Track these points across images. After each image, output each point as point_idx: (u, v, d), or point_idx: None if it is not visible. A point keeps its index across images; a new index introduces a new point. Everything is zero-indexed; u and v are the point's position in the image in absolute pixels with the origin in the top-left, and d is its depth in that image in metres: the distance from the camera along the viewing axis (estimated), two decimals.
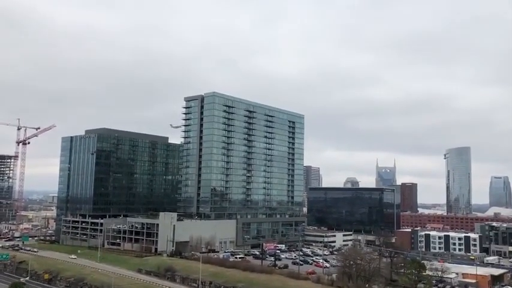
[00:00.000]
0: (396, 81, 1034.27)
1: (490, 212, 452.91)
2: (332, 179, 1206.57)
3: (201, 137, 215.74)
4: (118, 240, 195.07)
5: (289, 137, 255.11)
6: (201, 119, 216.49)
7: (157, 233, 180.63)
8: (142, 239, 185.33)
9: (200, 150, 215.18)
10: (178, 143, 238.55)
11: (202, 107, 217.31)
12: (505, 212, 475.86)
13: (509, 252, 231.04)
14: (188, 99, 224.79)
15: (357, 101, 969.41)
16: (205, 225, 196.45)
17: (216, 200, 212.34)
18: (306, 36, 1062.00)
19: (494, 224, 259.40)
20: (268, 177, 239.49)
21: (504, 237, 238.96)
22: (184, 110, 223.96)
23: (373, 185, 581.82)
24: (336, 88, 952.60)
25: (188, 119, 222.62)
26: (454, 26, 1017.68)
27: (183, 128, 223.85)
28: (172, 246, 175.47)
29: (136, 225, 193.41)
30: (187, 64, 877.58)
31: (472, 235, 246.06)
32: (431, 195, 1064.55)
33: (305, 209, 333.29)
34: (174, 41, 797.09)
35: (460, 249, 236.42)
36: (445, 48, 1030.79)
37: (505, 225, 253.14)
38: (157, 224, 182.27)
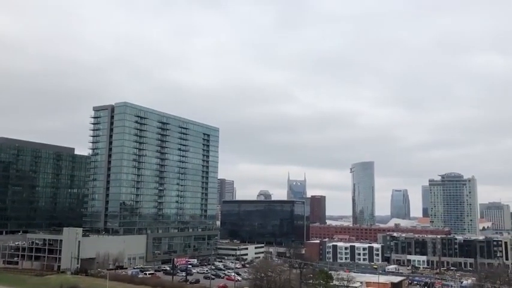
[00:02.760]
0: (307, 99, 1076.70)
1: (391, 223, 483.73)
2: (246, 192, 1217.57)
3: (110, 149, 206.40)
4: (16, 259, 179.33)
5: (203, 150, 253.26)
6: (111, 130, 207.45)
7: (60, 250, 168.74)
8: (44, 257, 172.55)
9: (109, 162, 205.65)
10: (86, 154, 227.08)
11: (112, 117, 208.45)
12: (404, 222, 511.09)
13: (408, 260, 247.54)
14: (97, 109, 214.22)
15: (271, 116, 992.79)
16: (113, 240, 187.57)
17: (125, 215, 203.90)
18: (221, 52, 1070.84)
19: (394, 234, 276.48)
20: (181, 191, 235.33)
21: (403, 246, 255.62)
22: (92, 120, 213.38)
23: (284, 198, 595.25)
24: (250, 103, 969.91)
25: (97, 130, 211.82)
26: (357, 49, 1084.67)
27: (90, 139, 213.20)
28: (77, 264, 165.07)
29: (37, 242, 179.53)
30: (98, 74, 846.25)
31: (375, 245, 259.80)
32: (339, 207, 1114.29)
33: (218, 223, 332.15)
34: (85, 50, 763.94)
35: (364, 259, 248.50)
36: (350, 69, 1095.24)
37: (404, 235, 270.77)
38: (61, 240, 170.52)
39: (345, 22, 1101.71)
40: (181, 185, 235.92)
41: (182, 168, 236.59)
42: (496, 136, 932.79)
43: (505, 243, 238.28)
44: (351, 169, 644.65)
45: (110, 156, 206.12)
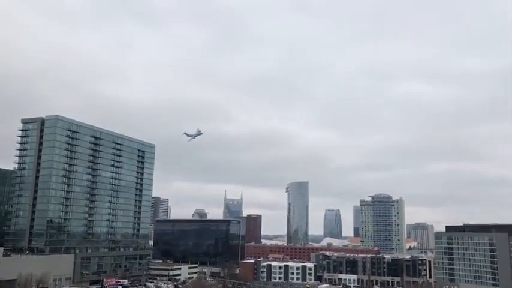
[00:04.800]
0: (243, 118, 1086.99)
1: (324, 243, 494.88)
2: (181, 210, 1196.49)
3: (38, 163, 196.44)
4: None
5: (138, 167, 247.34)
6: (40, 144, 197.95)
7: None
8: None
9: (37, 177, 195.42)
10: (11, 168, 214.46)
11: (42, 130, 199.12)
12: (336, 242, 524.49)
13: (339, 279, 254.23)
14: (26, 121, 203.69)
15: (207, 134, 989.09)
16: (37, 260, 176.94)
17: (52, 233, 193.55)
18: (157, 68, 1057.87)
19: (327, 253, 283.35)
20: (113, 209, 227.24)
21: (335, 265, 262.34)
22: (20, 133, 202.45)
23: (221, 217, 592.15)
24: (186, 120, 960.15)
25: (25, 143, 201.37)
26: (292, 72, 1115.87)
27: (16, 152, 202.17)
28: None
29: None
30: (27, 84, 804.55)
31: (308, 264, 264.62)
32: (275, 227, 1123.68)
33: (151, 242, 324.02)
34: (15, 59, 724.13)
35: (297, 278, 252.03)
36: (286, 91, 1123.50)
37: (336, 254, 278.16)
38: None
39: (280, 45, 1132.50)
40: (113, 203, 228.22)
41: (115, 185, 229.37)
42: (423, 160, 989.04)
43: (429, 262, 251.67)
44: (286, 188, 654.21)
45: (38, 171, 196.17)
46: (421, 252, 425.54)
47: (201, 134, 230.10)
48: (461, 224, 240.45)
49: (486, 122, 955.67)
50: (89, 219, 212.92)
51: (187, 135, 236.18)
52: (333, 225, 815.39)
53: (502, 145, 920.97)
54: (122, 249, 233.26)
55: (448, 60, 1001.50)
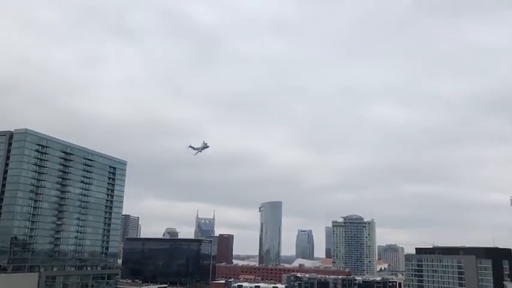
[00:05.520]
0: (218, 136, 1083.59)
1: (296, 263, 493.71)
2: (152, 229, 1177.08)
3: (4, 178, 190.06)
4: None
5: (108, 184, 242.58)
6: (8, 158, 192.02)
7: None
8: None
9: (2, 192, 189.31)
10: None
11: (10, 144, 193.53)
12: (308, 263, 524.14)
13: None
14: None
15: (181, 152, 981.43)
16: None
17: (16, 251, 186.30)
18: (131, 84, 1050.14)
19: (298, 274, 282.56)
20: (81, 226, 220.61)
21: (306, 286, 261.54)
22: None
23: (192, 236, 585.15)
24: (160, 138, 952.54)
25: None
26: (268, 91, 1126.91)
27: None
28: None
29: None
30: None
31: (279, 286, 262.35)
32: (247, 247, 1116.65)
33: (120, 261, 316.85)
34: None
35: None
36: (261, 110, 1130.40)
37: (307, 275, 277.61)
38: None
39: (256, 64, 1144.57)
40: (82, 220, 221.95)
41: (84, 202, 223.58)
42: (395, 181, 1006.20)
43: (399, 284, 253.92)
44: (259, 208, 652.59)
45: (4, 185, 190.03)
46: (392, 274, 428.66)
47: (208, 147, 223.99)
48: (431, 246, 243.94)
49: (457, 145, 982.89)
50: (55, 236, 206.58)
51: (193, 148, 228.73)
52: (305, 245, 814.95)
53: (472, 168, 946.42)
54: (89, 268, 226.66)
55: (420, 83, 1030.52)
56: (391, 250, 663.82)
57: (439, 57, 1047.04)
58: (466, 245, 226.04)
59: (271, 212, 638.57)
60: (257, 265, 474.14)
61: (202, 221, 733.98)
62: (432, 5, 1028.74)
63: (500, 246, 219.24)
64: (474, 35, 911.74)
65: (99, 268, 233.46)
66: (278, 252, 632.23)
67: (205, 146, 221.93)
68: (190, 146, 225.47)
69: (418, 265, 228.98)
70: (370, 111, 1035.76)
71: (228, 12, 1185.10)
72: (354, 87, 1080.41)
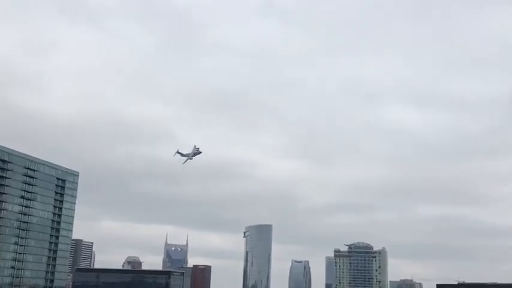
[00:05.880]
0: (194, 141, 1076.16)
1: None
2: (109, 257, 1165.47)
3: None
4: None
5: (55, 200, 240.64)
6: None
7: None
8: None
9: None
10: None
11: None
12: None
13: None
14: None
15: (146, 160, 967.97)
16: None
17: None
18: (87, 76, 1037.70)
19: None
20: (20, 253, 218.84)
21: None
22: None
23: (159, 267, 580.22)
24: (121, 142, 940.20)
25: None
26: (256, 88, 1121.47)
27: None
28: None
29: None
30: None
31: None
32: (227, 280, 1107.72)
33: None
34: None
35: None
36: (248, 111, 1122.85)
37: None
38: None
39: (244, 56, 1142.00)
40: (21, 245, 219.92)
41: (24, 222, 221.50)
42: (412, 201, 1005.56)
43: None
44: (244, 233, 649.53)
45: None
46: None
47: (200, 152, 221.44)
48: (456, 283, 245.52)
49: (486, 157, 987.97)
50: None
51: (182, 154, 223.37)
52: (300, 279, 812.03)
53: (504, 186, 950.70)
54: None
55: (441, 82, 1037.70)
56: (406, 286, 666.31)
57: (463, 51, 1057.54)
58: (498, 281, 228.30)
59: (259, 238, 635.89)
60: None
61: (173, 248, 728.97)
62: None
63: None
64: (508, 25, 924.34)
65: None
66: (267, 286, 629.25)
67: (197, 152, 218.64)
68: (178, 152, 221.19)
69: None
70: (380, 114, 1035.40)
71: None
72: (360, 85, 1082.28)
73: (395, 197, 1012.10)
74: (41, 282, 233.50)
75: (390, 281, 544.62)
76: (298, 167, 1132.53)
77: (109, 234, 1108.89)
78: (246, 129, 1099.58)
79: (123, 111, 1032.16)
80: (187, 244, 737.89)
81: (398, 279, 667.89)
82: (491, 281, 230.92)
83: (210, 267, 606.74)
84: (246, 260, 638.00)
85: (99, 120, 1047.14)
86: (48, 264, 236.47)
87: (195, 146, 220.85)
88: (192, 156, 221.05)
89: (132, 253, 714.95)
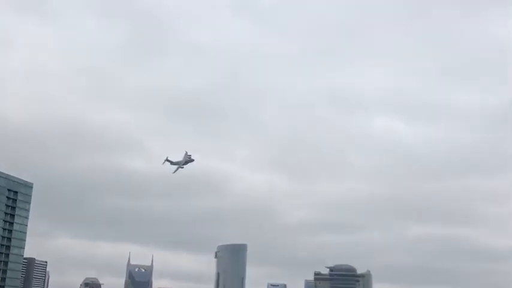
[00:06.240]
0: (161, 151, 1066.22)
1: None
2: (65, 278, 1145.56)
3: None
4: None
5: (6, 214, 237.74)
6: None
7: None
8: None
9: None
10: None
11: None
12: None
13: None
14: None
15: (109, 172, 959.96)
16: None
17: None
18: (40, 76, 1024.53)
19: None
20: None
21: None
22: None
23: None
24: (80, 151, 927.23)
25: None
26: (231, 94, 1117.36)
27: None
28: None
29: None
30: None
31: None
32: None
33: None
34: None
35: None
36: (221, 118, 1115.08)
37: None
38: None
39: (216, 58, 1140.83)
40: None
41: None
42: (400, 220, 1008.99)
43: None
44: (216, 253, 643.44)
45: None
46: None
47: (192, 160, 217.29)
48: None
49: (480, 173, 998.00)
50: None
51: (171, 163, 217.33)
52: None
53: (504, 205, 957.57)
54: None
55: (432, 92, 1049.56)
56: None
57: (458, 58, 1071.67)
58: None
59: (232, 259, 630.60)
60: None
61: (136, 270, 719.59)
62: None
63: None
64: (503, 31, 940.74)
65: None
66: None
67: (189, 160, 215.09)
68: (168, 160, 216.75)
69: None
70: (367, 124, 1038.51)
71: None
72: (346, 93, 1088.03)
73: (382, 216, 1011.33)
74: None
75: None
76: (277, 180, 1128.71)
77: (65, 253, 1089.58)
78: (219, 138, 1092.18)
79: (82, 117, 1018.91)
80: (152, 265, 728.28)
81: None
82: None
83: None
84: (218, 283, 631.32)
85: (56, 126, 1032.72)
86: None
87: (186, 152, 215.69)
88: (184, 165, 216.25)
89: (91, 274, 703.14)
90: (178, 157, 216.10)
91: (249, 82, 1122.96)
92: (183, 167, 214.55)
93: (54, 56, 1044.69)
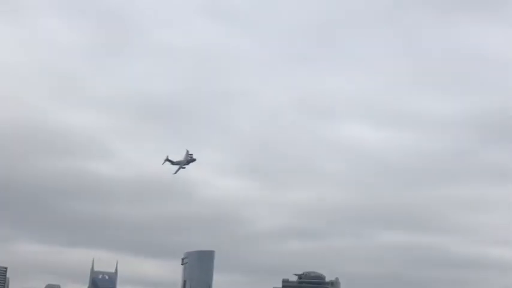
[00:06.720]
0: (127, 155, 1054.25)
1: None
2: (26, 285, 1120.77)
3: None
4: None
5: None
6: None
7: None
8: None
9: None
10: None
11: None
12: None
13: None
14: None
15: (74, 175, 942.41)
16: None
17: None
18: (7, 76, 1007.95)
19: None
20: None
21: None
22: None
23: None
24: (41, 153, 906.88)
25: None
26: (199, 97, 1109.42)
27: None
28: None
29: None
30: None
31: None
32: None
33: None
34: None
35: None
36: (190, 121, 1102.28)
37: None
38: None
39: (186, 61, 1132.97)
40: None
41: None
42: (370, 227, 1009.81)
43: None
44: (182, 260, 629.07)
45: None
46: None
47: (194, 160, 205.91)
48: None
49: (453, 181, 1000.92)
50: None
51: (172, 162, 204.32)
52: None
53: (474, 213, 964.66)
54: None
55: (403, 100, 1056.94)
56: None
57: (429, 65, 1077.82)
58: None
59: (199, 266, 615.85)
60: None
61: (100, 276, 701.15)
62: None
63: None
64: (475, 38, 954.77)
65: None
66: None
67: (190, 159, 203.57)
68: (168, 160, 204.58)
69: None
70: (337, 131, 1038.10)
71: None
72: (316, 99, 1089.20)
73: (352, 223, 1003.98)
74: None
75: None
76: (245, 186, 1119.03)
77: (26, 259, 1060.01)
78: (186, 142, 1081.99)
79: (45, 118, 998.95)
80: (116, 272, 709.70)
81: None
82: None
83: None
84: None
85: (16, 128, 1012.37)
86: None
87: (187, 151, 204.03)
88: (185, 165, 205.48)
89: (53, 280, 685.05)
90: (179, 157, 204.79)
91: (219, 86, 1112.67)
92: (184, 167, 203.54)
93: (15, 54, 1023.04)
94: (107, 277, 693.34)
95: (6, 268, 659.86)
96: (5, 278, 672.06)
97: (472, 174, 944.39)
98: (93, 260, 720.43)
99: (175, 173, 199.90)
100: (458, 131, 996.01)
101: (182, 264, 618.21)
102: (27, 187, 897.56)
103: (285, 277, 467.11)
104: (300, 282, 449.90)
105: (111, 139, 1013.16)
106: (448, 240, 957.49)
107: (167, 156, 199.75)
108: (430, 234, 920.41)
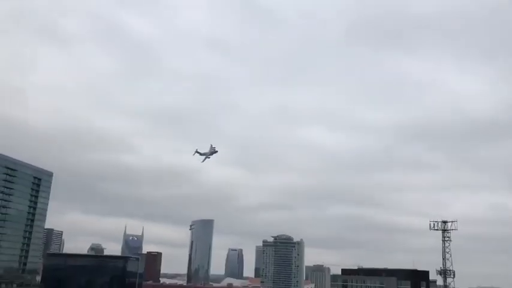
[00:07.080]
0: (148, 151, 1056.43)
1: (225, 283, 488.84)
2: (76, 244, 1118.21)
3: None
4: None
5: (31, 195, 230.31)
6: None
7: None
8: None
9: None
10: None
11: None
12: (237, 282, 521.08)
13: None
14: None
15: (110, 165, 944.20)
16: None
17: None
18: (58, 92, 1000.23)
19: None
20: None
21: None
22: None
23: (119, 253, 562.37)
24: (88, 149, 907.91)
25: None
26: (201, 108, 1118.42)
27: None
28: None
29: None
30: None
31: None
32: (175, 265, 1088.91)
33: (39, 278, 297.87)
34: None
35: None
36: (193, 126, 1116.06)
37: None
38: None
39: (192, 81, 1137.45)
40: (0, 233, 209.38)
41: (3, 214, 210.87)
42: (323, 202, 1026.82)
43: None
44: (190, 226, 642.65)
45: None
46: None
47: (216, 151, 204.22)
48: (356, 268, 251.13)
49: (383, 170, 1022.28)
50: None
51: (200, 154, 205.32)
52: (234, 264, 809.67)
53: (396, 193, 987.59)
54: (3, 285, 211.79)
55: (351, 110, 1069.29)
56: (318, 270, 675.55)
57: (371, 85, 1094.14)
58: (388, 267, 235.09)
59: (202, 230, 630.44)
60: (185, 284, 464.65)
61: (130, 238, 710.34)
62: (365, 35, 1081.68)
63: (420, 268, 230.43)
64: (399, 68, 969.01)
65: (14, 285, 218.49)
66: (207, 271, 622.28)
67: (213, 151, 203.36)
68: (197, 152, 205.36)
69: (343, 286, 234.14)
70: (302, 133, 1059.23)
71: (163, 24, 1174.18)
72: (288, 109, 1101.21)
73: (312, 199, 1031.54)
74: (15, 264, 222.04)
75: (306, 266, 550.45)
76: (235, 173, 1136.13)
77: (76, 225, 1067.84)
78: (191, 141, 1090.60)
79: (87, 124, 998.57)
80: (142, 234, 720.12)
81: (312, 265, 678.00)
82: (383, 267, 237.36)
83: (161, 253, 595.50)
84: (191, 248, 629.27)
85: (69, 131, 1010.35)
86: (22, 250, 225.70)
87: (211, 145, 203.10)
88: (210, 155, 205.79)
89: (96, 241, 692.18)
90: (205, 149, 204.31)
91: (217, 100, 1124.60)
92: (209, 157, 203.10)
93: (64, 76, 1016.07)
94: (135, 238, 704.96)
95: (62, 232, 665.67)
96: (61, 239, 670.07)
97: (394, 165, 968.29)
98: (125, 226, 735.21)
99: (203, 161, 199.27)
100: (386, 133, 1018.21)
101: (190, 229, 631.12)
102: (79, 174, 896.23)
103: (264, 238, 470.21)
104: (275, 242, 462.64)
105: (136, 139, 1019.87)
106: (376, 211, 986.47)
107: (196, 149, 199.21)
108: (365, 207, 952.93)
